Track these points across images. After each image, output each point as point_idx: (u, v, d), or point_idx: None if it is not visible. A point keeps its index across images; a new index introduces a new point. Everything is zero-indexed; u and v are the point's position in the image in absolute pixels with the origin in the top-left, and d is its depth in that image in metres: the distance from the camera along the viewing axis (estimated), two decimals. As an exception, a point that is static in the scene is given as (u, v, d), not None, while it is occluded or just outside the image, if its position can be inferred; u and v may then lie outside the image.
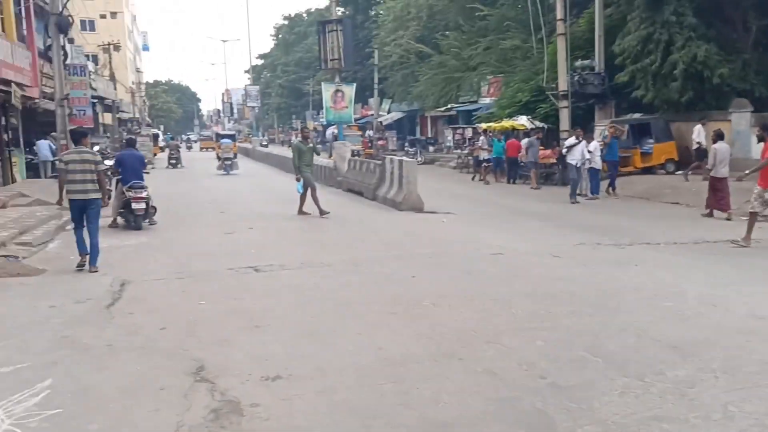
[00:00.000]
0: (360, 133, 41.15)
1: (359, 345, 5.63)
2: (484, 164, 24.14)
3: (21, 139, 22.10)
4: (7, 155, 19.49)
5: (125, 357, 5.39)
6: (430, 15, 38.87)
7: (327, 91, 26.85)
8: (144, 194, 13.07)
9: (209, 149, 53.62)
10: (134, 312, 6.80)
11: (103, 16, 70.56)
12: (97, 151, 23.50)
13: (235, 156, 34.00)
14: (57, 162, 10.25)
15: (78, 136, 10.07)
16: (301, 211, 14.92)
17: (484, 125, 26.61)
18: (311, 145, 15.52)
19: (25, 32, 21.46)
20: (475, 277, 8.35)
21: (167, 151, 38.47)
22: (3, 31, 18.23)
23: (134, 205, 12.94)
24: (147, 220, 13.36)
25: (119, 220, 13.54)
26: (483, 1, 32.14)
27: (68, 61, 26.81)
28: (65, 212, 15.32)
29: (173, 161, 36.03)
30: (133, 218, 13.11)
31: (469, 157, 27.72)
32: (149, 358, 5.37)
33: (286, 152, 39.90)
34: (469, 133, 32.84)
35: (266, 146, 57.53)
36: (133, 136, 15.17)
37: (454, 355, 5.32)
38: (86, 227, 9.27)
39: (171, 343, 5.74)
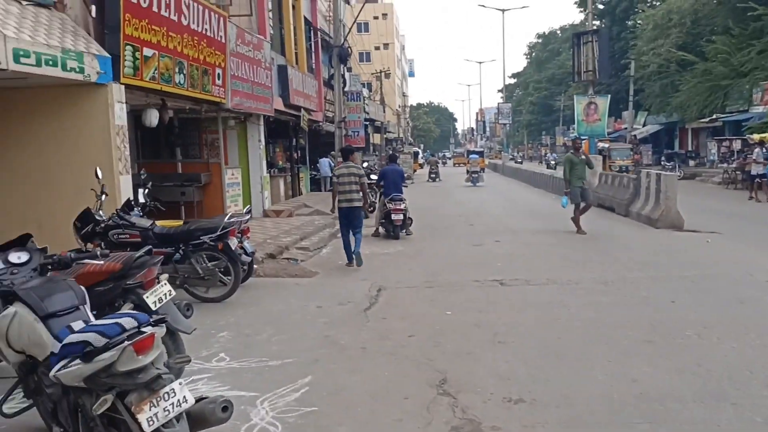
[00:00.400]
0: (629, 146, 37.53)
1: (610, 374, 4.96)
2: (758, 179, 20.89)
3: (307, 157, 24.48)
4: (296, 171, 21.67)
5: (376, 361, 5.39)
6: (694, 20, 35.09)
7: (579, 104, 25.53)
8: (402, 206, 13.48)
9: (461, 164, 55.27)
10: (387, 317, 6.87)
11: (377, 48, 75.94)
12: (366, 166, 25.19)
13: (483, 170, 35.29)
14: (333, 176, 11.51)
15: (347, 153, 11.11)
16: (579, 230, 13.27)
17: (757, 136, 23.12)
18: (583, 157, 14.14)
19: (313, 64, 23.68)
20: (749, 306, 7.03)
21: (428, 166, 42.28)
22: (297, 63, 20.26)
23: (393, 216, 13.41)
24: (404, 230, 13.75)
25: (381, 229, 14.13)
26: (757, 0, 28.10)
27: (347, 88, 29.16)
28: (337, 221, 16.57)
29: (433, 175, 38.93)
30: (392, 228, 13.58)
31: (738, 172, 24.29)
32: (397, 364, 5.30)
33: (536, 168, 38.99)
34: (737, 145, 28.89)
35: (520, 162, 56.43)
36: (395, 153, 15.74)
37: (725, 398, 4.41)
38: (353, 235, 10.32)
39: (418, 351, 5.63)
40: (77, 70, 8.23)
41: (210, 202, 13.99)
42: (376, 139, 50.09)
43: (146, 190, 8.22)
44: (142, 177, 8.21)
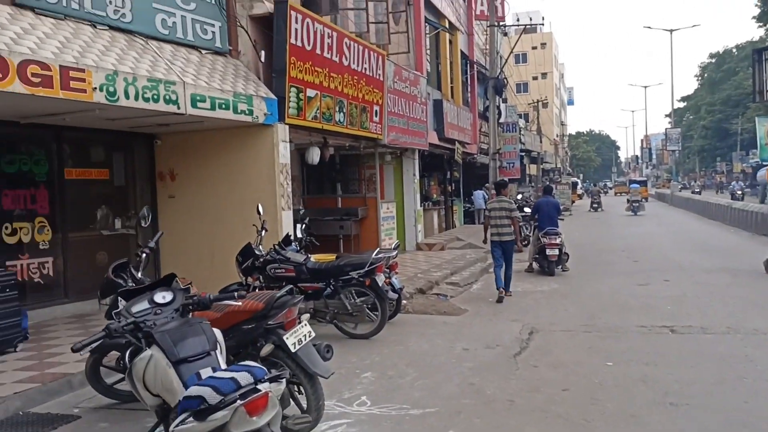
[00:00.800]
0: None
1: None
2: None
3: (461, 190, 24.26)
4: (449, 204, 21.52)
5: (525, 418, 4.91)
6: None
7: (762, 126, 22.94)
8: (558, 240, 12.74)
9: (622, 194, 53.14)
10: (538, 365, 6.33)
11: (535, 78, 74.57)
12: (521, 198, 24.44)
13: (645, 200, 36.03)
14: (484, 209, 11.64)
15: (499, 187, 11.18)
16: None
17: None
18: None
19: (469, 97, 23.55)
20: None
21: (590, 196, 41.80)
22: (452, 97, 20.24)
23: (548, 251, 12.70)
24: (560, 266, 12.97)
25: (534, 265, 13.46)
26: None
27: (502, 120, 28.70)
28: (489, 255, 16.07)
29: (595, 205, 38.57)
30: (547, 264, 12.87)
31: None
32: (548, 423, 4.79)
33: (711, 197, 35.49)
34: None
35: (698, 192, 51.38)
36: (550, 184, 15.02)
37: None
38: (504, 264, 10.37)
39: (572, 408, 5.06)
40: (247, 112, 8.69)
41: (366, 236, 14.19)
42: (532, 169, 48.75)
43: (303, 226, 8.44)
44: (300, 213, 8.44)
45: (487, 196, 24.57)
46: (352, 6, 13.12)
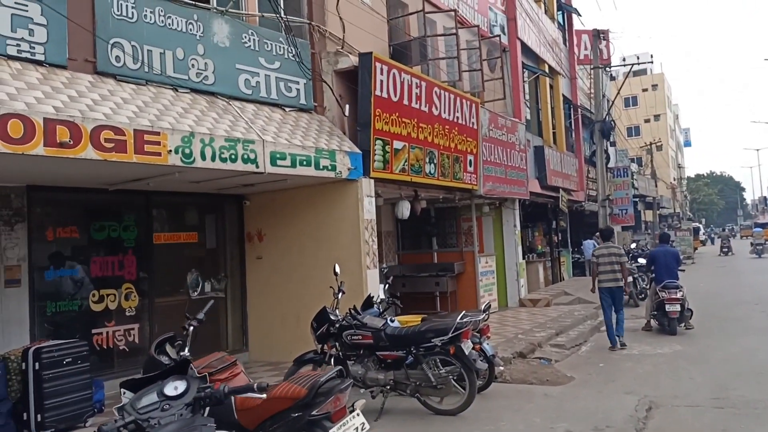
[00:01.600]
0: None
1: None
2: None
3: (569, 240, 22.87)
4: (556, 255, 20.24)
5: None
6: None
7: None
8: (679, 295, 11.33)
9: (748, 237, 53.15)
10: (659, 455, 5.27)
11: (647, 120, 71.38)
12: (635, 247, 22.66)
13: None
14: (591, 257, 11.63)
15: (607, 234, 11.47)
16: None
17: None
18: None
19: (573, 142, 22.41)
20: None
21: (719, 241, 43.59)
22: (555, 143, 19.26)
23: (668, 307, 11.32)
24: (682, 324, 11.51)
25: (653, 322, 12.06)
26: None
27: (611, 165, 27.09)
28: (599, 311, 14.68)
29: (725, 249, 38.40)
30: (667, 321, 11.46)
31: None
32: None
33: None
34: None
35: None
36: (667, 231, 13.59)
37: None
38: (615, 313, 10.46)
39: None
40: (329, 167, 8.38)
41: (463, 292, 13.39)
42: (647, 216, 45.76)
43: (386, 286, 7.86)
44: (384, 271, 7.90)
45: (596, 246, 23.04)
46: (444, 55, 12.74)
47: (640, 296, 16.61)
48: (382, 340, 6.40)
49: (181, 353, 4.14)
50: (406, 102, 9.84)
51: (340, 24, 9.29)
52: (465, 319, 6.25)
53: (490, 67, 14.99)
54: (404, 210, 10.74)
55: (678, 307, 11.24)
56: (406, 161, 9.91)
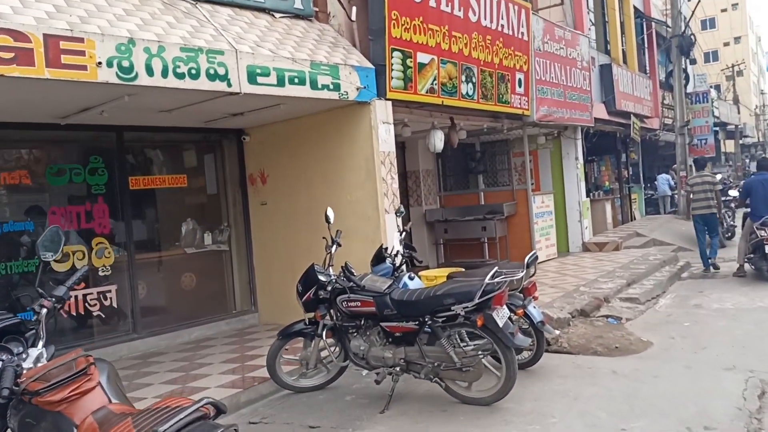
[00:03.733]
0: None
1: None
2: None
3: (641, 174, 20.45)
4: (626, 192, 17.95)
5: None
6: None
7: None
8: (784, 236, 9.23)
9: None
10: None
11: (726, 44, 65.82)
12: (721, 179, 20.07)
13: None
14: (686, 185, 12.62)
15: (703, 162, 11.88)
16: None
17: None
18: None
19: (646, 62, 19.72)
20: None
21: None
22: (624, 62, 16.75)
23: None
24: (787, 271, 9.43)
25: (747, 267, 10.00)
26: None
27: (689, 89, 24.12)
28: (682, 254, 12.61)
29: None
30: (767, 265, 9.40)
31: None
32: None
33: None
34: None
35: None
36: (767, 157, 11.34)
37: None
38: (709, 238, 10.89)
39: None
40: (331, 87, 6.66)
41: (515, 237, 11.58)
42: (728, 146, 41.91)
43: (403, 234, 6.17)
44: (399, 213, 6.20)
45: (673, 181, 20.54)
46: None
47: (727, 235, 14.35)
48: (388, 307, 4.78)
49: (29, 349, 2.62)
50: (433, 3, 7.91)
51: None
52: (497, 279, 4.52)
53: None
54: (437, 142, 8.94)
55: (783, 249, 9.18)
56: (435, 79, 8.06)
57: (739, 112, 41.29)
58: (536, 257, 5.48)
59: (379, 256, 5.86)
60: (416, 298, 4.70)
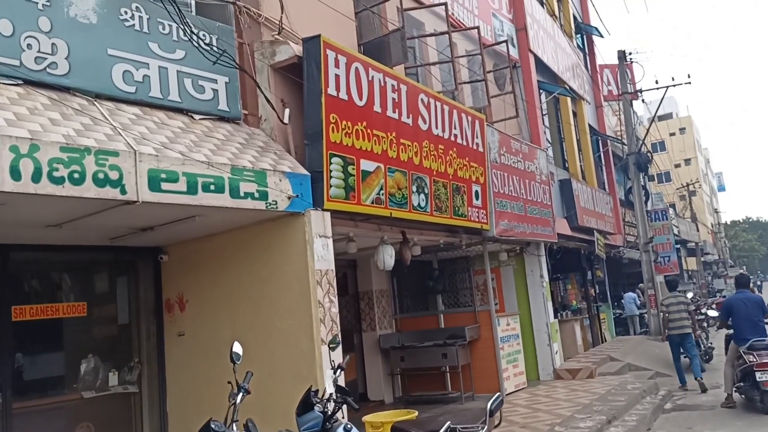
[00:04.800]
0: None
1: None
2: None
3: (608, 293, 19.77)
4: (594, 312, 17.13)
5: None
6: None
7: None
8: (774, 360, 8.33)
9: None
10: None
11: (677, 165, 68.81)
12: (691, 298, 19.55)
13: None
14: (660, 305, 12.19)
15: (674, 284, 11.90)
16: None
17: None
18: None
19: (605, 178, 19.66)
20: None
21: None
22: (583, 178, 16.49)
23: (760, 376, 8.32)
24: (782, 400, 8.42)
25: (736, 396, 8.99)
26: None
27: (648, 207, 24.19)
28: (661, 380, 11.59)
29: None
30: (760, 395, 8.40)
31: None
32: None
33: None
34: None
35: None
36: (745, 274, 10.70)
37: None
38: (687, 357, 11.04)
39: None
40: (256, 195, 5.75)
41: (480, 365, 10.42)
42: (690, 264, 42.21)
43: (339, 372, 5.02)
44: (332, 348, 5.07)
45: (640, 300, 19.89)
46: (435, 59, 10.26)
47: (705, 358, 13.44)
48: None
49: None
50: (377, 109, 7.27)
51: (279, 4, 6.82)
52: None
53: (498, 84, 12.49)
54: (387, 258, 8.00)
55: (776, 377, 8.24)
56: (382, 189, 7.25)
57: (698, 230, 42.08)
58: (501, 401, 4.38)
59: (307, 402, 4.67)
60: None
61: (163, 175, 5.03)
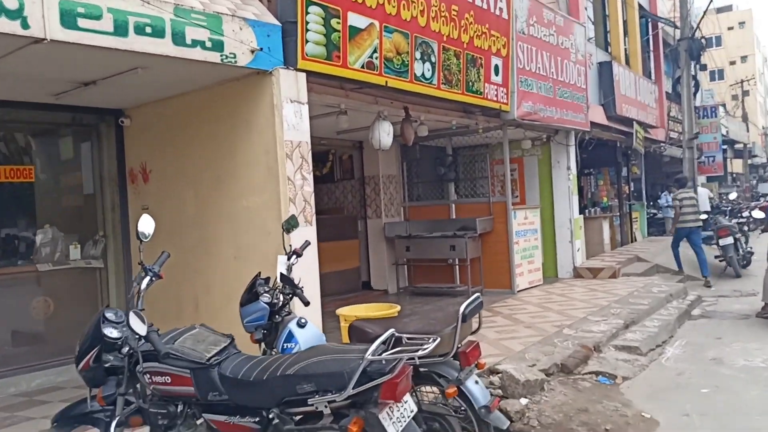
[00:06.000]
0: None
1: None
2: None
3: (643, 191, 18.50)
4: (627, 210, 16.00)
5: None
6: None
7: None
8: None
9: None
10: None
11: (732, 63, 64.47)
12: (735, 199, 18.33)
13: None
14: (673, 200, 11.92)
15: (683, 181, 12.16)
16: None
17: None
18: None
19: (652, 66, 17.86)
20: None
21: None
22: (627, 63, 14.86)
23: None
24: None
25: (776, 309, 8.06)
26: None
27: (697, 103, 22.30)
28: (691, 284, 10.70)
29: None
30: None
31: None
32: None
33: None
34: None
35: None
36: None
37: None
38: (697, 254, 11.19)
39: None
40: (208, 45, 4.72)
41: (492, 260, 9.62)
42: (736, 166, 40.04)
43: (293, 259, 4.15)
44: (287, 230, 4.19)
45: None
46: None
47: (743, 263, 12.42)
48: (214, 388, 2.81)
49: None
50: (374, -48, 6.01)
51: None
52: (393, 355, 2.54)
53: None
54: (383, 135, 6.98)
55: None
56: (375, 51, 6.12)
57: (748, 130, 39.55)
58: (479, 304, 3.50)
59: (252, 291, 3.88)
60: (257, 377, 2.72)
61: (81, 9, 4.02)
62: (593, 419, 4.65)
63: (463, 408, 3.42)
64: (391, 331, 2.64)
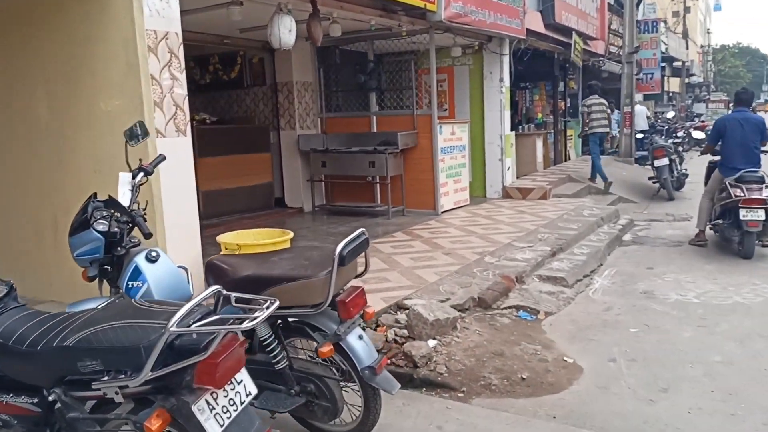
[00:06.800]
0: None
1: None
2: None
3: (580, 107, 18.09)
4: (561, 127, 15.58)
5: None
6: None
7: None
8: (765, 194, 6.97)
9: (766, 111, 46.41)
10: None
11: (675, -23, 64.27)
12: (672, 118, 18.26)
13: None
14: (581, 106, 12.30)
15: (594, 88, 11.94)
16: None
17: None
18: None
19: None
20: None
21: None
22: (566, -30, 13.99)
23: (743, 213, 6.98)
24: (760, 241, 7.22)
25: (709, 233, 7.80)
26: None
27: (639, 16, 21.83)
28: (624, 207, 10.46)
29: None
30: (740, 236, 7.17)
31: None
32: None
33: None
34: None
35: None
36: (748, 89, 8.77)
37: None
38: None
39: None
40: None
41: (415, 178, 9.01)
42: (673, 84, 40.45)
43: (139, 178, 3.33)
44: (132, 141, 3.36)
45: (618, 117, 18.33)
46: None
47: (676, 185, 12.27)
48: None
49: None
50: None
51: None
52: (195, 325, 1.84)
53: None
54: (283, 32, 6.02)
55: (762, 215, 6.92)
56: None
57: (687, 48, 39.76)
58: (363, 242, 2.83)
59: (82, 218, 3.08)
60: (30, 345, 1.98)
61: None
62: (509, 365, 4.18)
63: (345, 367, 2.81)
64: (215, 288, 1.93)
